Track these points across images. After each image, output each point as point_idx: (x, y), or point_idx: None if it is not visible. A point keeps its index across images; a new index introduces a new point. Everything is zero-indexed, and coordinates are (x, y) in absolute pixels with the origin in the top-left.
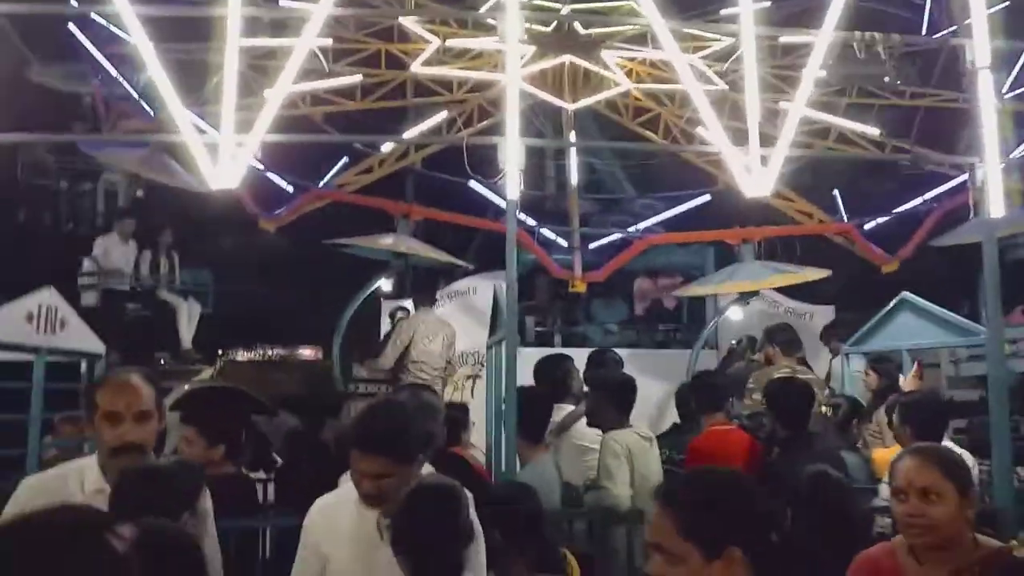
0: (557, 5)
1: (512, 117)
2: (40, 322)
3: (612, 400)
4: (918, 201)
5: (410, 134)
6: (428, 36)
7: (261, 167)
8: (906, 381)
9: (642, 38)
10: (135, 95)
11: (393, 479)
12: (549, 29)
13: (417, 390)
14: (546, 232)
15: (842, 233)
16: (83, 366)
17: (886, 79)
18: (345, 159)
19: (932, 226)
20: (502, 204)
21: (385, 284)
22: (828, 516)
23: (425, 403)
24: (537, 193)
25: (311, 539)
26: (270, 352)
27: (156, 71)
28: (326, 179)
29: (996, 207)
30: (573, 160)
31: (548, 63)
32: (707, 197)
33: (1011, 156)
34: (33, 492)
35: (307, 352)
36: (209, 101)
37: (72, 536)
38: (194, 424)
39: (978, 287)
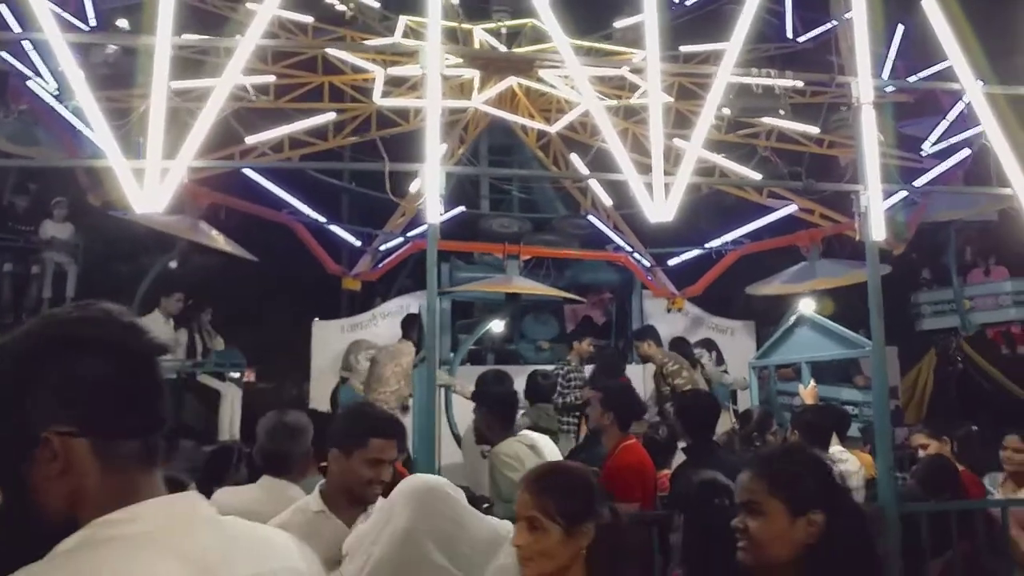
0: (468, 26)
1: (432, 143)
2: None
3: (495, 415)
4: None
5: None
6: (370, 66)
7: (324, 221)
8: (804, 392)
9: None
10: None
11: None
12: (466, 51)
13: None
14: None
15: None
16: None
17: (780, 112)
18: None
19: None
20: (614, 237)
21: (496, 325)
22: (715, 522)
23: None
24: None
25: None
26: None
27: (84, 95)
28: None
29: (878, 231)
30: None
31: (497, 86)
32: (794, 207)
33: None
34: None
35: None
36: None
37: None
38: None
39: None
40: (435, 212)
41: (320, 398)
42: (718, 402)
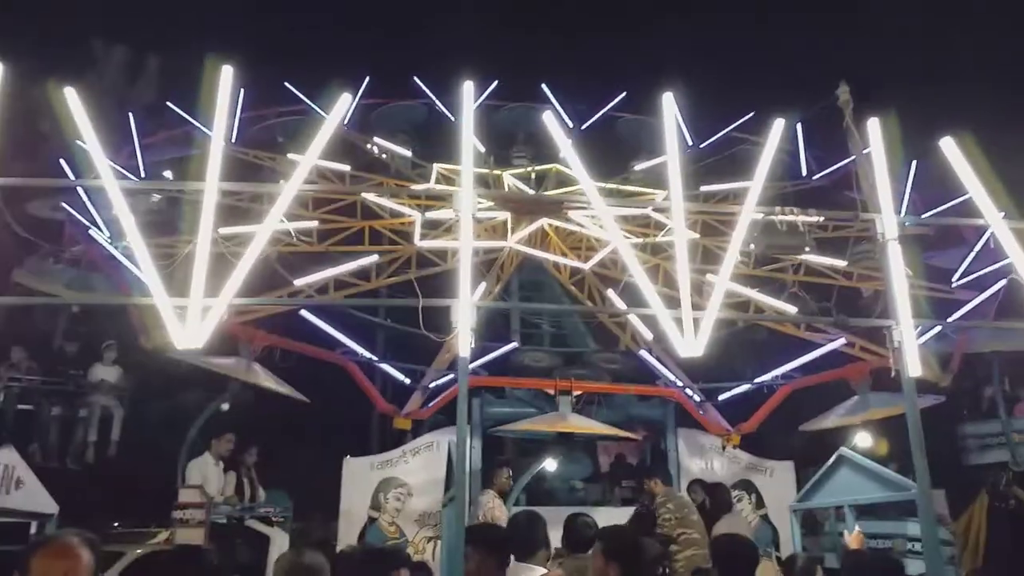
0: (498, 172)
1: (465, 280)
2: None
3: (491, 560)
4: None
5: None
6: (407, 211)
7: (375, 359)
8: (849, 538)
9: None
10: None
11: None
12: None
13: None
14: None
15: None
16: (33, 527)
17: (806, 248)
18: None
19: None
20: (665, 371)
21: (550, 464)
22: None
23: None
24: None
25: None
26: None
27: (134, 237)
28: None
29: (913, 366)
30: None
31: (529, 227)
32: (842, 341)
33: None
34: None
35: None
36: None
37: None
38: None
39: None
40: (466, 346)
41: (348, 538)
42: (755, 548)
